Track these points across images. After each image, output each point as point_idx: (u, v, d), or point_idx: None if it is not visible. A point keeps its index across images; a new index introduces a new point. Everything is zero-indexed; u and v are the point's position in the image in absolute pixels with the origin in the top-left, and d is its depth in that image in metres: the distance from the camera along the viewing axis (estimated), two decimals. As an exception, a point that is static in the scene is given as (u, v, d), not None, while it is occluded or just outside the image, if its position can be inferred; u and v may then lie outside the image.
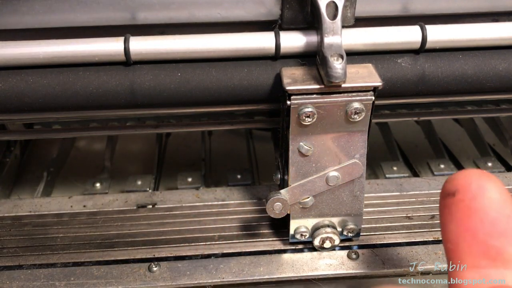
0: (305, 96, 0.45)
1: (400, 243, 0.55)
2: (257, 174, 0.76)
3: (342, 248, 0.54)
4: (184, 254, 0.54)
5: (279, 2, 0.50)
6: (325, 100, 0.46)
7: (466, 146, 0.85)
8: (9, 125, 0.77)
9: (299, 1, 0.49)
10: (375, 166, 0.78)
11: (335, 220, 0.53)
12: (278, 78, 0.49)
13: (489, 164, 0.73)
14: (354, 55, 0.51)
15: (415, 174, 0.74)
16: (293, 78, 0.47)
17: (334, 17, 0.46)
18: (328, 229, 0.52)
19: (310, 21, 0.50)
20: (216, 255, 0.54)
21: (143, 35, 0.49)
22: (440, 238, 0.55)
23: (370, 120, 0.48)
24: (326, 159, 0.49)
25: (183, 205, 0.61)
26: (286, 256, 0.53)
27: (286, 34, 0.49)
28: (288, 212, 0.51)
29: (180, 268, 0.52)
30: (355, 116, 0.47)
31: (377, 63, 0.51)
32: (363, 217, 0.58)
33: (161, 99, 0.50)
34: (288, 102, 0.45)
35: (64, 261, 0.53)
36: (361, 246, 0.54)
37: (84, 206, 0.61)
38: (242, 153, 0.85)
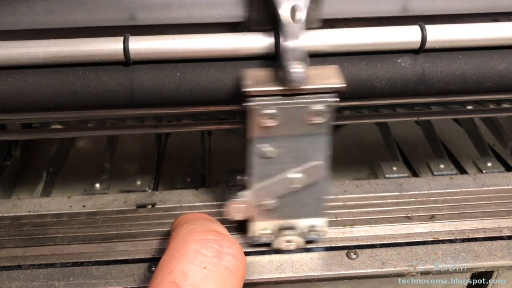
0: (265, 98, 0.45)
1: (399, 243, 0.55)
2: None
3: (341, 248, 0.54)
4: (183, 254, 0.54)
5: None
6: (286, 101, 0.45)
7: (466, 146, 0.85)
8: (9, 125, 0.77)
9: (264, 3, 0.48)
10: (374, 166, 0.78)
11: (299, 222, 0.52)
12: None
13: (489, 164, 0.72)
14: (353, 55, 0.51)
15: (415, 174, 0.74)
16: (256, 79, 0.46)
17: (294, 19, 0.45)
18: (292, 231, 0.52)
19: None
20: (215, 255, 0.53)
21: (142, 35, 0.49)
22: (440, 238, 0.55)
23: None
24: (288, 161, 0.49)
25: (183, 205, 0.61)
26: (286, 256, 0.53)
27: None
28: (251, 214, 0.51)
29: (180, 268, 0.52)
30: (316, 118, 0.46)
31: (377, 63, 0.51)
32: (364, 217, 0.58)
33: (160, 98, 0.50)
34: (248, 104, 0.45)
35: (63, 261, 0.53)
36: (360, 246, 0.54)
37: (84, 206, 0.61)
38: (242, 153, 0.84)
